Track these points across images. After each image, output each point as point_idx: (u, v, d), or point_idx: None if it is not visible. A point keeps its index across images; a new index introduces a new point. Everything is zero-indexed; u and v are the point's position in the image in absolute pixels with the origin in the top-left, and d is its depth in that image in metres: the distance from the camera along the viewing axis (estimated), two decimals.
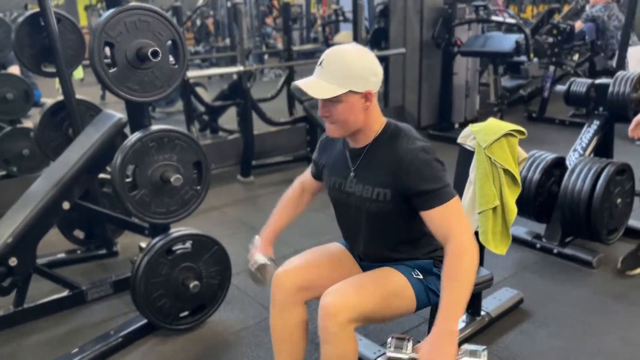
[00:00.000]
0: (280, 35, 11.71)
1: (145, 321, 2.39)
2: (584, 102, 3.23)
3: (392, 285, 1.68)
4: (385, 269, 1.74)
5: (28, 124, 4.22)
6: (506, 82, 5.76)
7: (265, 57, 10.64)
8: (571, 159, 3.08)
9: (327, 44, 6.92)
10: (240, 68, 4.11)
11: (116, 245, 3.24)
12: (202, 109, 5.54)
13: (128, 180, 2.16)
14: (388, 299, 1.67)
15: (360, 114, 1.57)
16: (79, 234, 3.26)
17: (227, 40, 11.05)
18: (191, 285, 2.32)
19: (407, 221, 1.67)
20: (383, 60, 6.12)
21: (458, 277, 1.46)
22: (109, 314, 2.62)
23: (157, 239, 2.33)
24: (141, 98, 2.09)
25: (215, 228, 3.56)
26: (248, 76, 4.22)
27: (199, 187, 2.33)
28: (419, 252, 1.75)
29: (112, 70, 2.01)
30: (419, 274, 1.74)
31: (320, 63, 1.55)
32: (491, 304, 2.45)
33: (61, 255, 3.14)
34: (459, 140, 2.23)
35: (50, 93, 5.53)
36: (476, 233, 2.18)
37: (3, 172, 4.22)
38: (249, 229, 3.60)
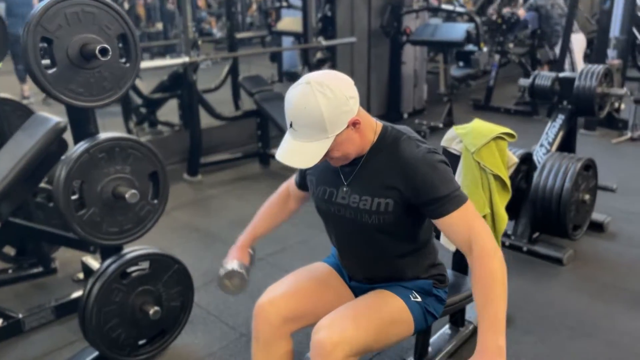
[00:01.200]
0: (215, 19, 11.27)
1: (96, 353, 2.11)
2: (548, 96, 3.18)
3: (390, 312, 1.52)
4: (381, 292, 1.56)
5: None
6: (455, 71, 5.72)
7: (199, 42, 10.17)
8: (538, 155, 3.03)
9: (270, 31, 6.63)
10: (186, 59, 3.79)
11: (54, 261, 2.88)
12: (138, 100, 5.14)
13: (74, 197, 1.86)
14: (386, 328, 1.51)
15: (356, 140, 1.40)
16: (10, 250, 2.88)
17: (159, 26, 10.48)
18: (151, 311, 2.06)
19: (408, 232, 1.52)
20: (330, 49, 5.94)
21: (493, 286, 1.31)
22: (52, 345, 2.31)
23: (109, 261, 2.04)
24: (88, 103, 1.79)
25: (165, 237, 3.27)
26: (194, 67, 3.90)
27: (155, 202, 2.06)
28: (419, 268, 1.60)
29: (51, 71, 1.69)
30: (417, 296, 1.58)
31: (291, 125, 1.35)
32: (473, 312, 2.34)
33: None
34: (443, 144, 2.08)
35: None
36: None
37: None
38: (202, 235, 3.34)
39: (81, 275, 2.83)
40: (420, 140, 1.46)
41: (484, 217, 1.97)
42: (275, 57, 6.98)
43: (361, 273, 1.64)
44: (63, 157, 1.87)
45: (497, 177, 1.96)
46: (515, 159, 2.04)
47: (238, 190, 4.05)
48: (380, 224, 1.46)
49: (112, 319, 2.03)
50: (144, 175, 2.00)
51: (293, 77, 8.04)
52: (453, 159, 2.05)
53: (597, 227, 3.18)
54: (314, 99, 1.30)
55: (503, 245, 3.03)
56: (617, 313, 2.43)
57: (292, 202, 1.79)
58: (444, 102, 5.54)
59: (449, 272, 2.11)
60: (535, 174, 2.83)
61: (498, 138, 1.96)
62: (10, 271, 2.80)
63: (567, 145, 3.16)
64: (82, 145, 1.85)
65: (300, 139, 1.34)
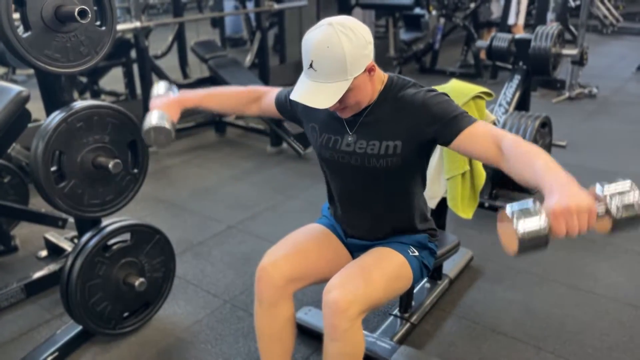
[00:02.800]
0: None
1: (79, 328, 2.06)
2: (505, 57, 3.30)
3: (393, 268, 1.57)
4: (382, 249, 1.61)
5: None
6: (404, 34, 5.79)
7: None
8: (498, 114, 3.16)
9: None
10: (137, 24, 3.62)
11: (14, 238, 2.75)
12: None
13: (53, 169, 1.77)
14: (391, 283, 1.56)
15: (369, 88, 1.43)
16: None
17: None
18: (136, 283, 2.02)
19: (411, 177, 1.56)
20: (278, 14, 5.84)
21: (537, 154, 1.23)
22: (27, 325, 2.22)
23: (88, 235, 1.97)
24: (65, 69, 1.69)
25: (129, 209, 3.13)
26: (146, 33, 3.73)
27: (136, 171, 2.00)
28: (417, 219, 1.65)
29: (25, 35, 1.58)
30: (415, 250, 1.64)
31: (311, 65, 1.35)
32: (448, 266, 2.45)
33: None
34: None
35: None
36: (444, 199, 2.14)
37: None
38: (168, 206, 3.27)
39: (44, 253, 2.72)
40: (423, 86, 1.50)
41: (463, 174, 2.05)
42: (217, 23, 6.79)
43: (362, 225, 1.66)
44: (40, 129, 1.76)
45: None
46: (492, 117, 2.12)
47: (197, 160, 3.98)
48: (388, 166, 1.49)
49: (96, 293, 1.98)
50: (123, 145, 1.93)
51: (237, 42, 7.88)
52: None
53: None
54: (337, 38, 1.31)
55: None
56: (577, 259, 2.62)
57: (255, 105, 1.77)
58: (393, 65, 5.61)
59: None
60: None
61: (477, 97, 2.03)
62: None
63: (522, 104, 3.31)
64: (59, 115, 1.75)
65: (319, 79, 1.35)
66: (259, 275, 1.59)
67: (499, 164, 1.31)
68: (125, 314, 2.13)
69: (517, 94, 3.21)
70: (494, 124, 2.18)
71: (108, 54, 4.76)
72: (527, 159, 1.22)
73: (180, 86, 4.32)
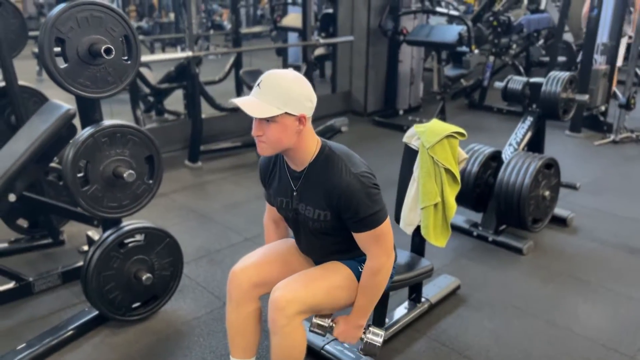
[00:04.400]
0: (227, 11, 11.53)
1: (96, 313, 2.42)
2: (520, 99, 3.43)
3: (339, 279, 1.80)
4: (332, 263, 1.85)
5: None
6: (449, 71, 5.96)
7: (211, 31, 10.47)
8: (507, 153, 3.29)
9: (275, 26, 6.90)
10: (189, 54, 4.08)
11: (62, 234, 3.20)
12: (147, 89, 5.45)
13: (80, 175, 2.16)
14: (334, 292, 1.79)
15: (292, 136, 1.63)
16: (23, 222, 3.20)
17: (172, 15, 10.76)
18: (144, 277, 2.36)
19: (349, 234, 1.76)
20: (332, 46, 6.20)
21: (371, 290, 1.78)
22: (58, 306, 2.62)
23: (108, 232, 2.34)
24: (93, 94, 2.08)
25: (164, 216, 3.58)
26: (197, 61, 4.18)
27: (151, 181, 2.36)
28: (362, 253, 1.87)
29: (63, 66, 1.99)
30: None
31: (258, 84, 1.61)
32: (431, 291, 2.62)
33: (4, 245, 3.07)
34: (404, 140, 2.35)
35: None
36: (418, 227, 2.34)
37: None
38: (197, 216, 3.64)
39: (85, 247, 3.13)
40: (353, 164, 1.67)
41: (435, 205, 2.24)
42: (281, 52, 7.27)
43: (315, 257, 1.93)
44: (71, 140, 2.16)
45: (448, 171, 2.23)
46: (465, 155, 2.30)
47: (234, 177, 4.35)
48: (324, 227, 1.74)
49: (109, 283, 2.33)
50: (141, 158, 2.29)
51: (297, 70, 8.33)
52: (412, 154, 2.32)
53: (561, 222, 3.44)
54: (292, 79, 1.59)
55: (471, 234, 3.30)
56: (562, 297, 2.70)
57: (281, 223, 2.01)
58: (437, 100, 5.79)
59: (407, 254, 2.40)
60: (501, 171, 3.10)
61: (450, 136, 2.23)
62: (22, 241, 3.13)
63: (535, 145, 3.42)
64: (88, 130, 2.14)
65: (260, 97, 1.57)
66: (230, 278, 1.88)
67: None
68: (135, 305, 2.47)
69: (528, 135, 3.32)
70: (487, 163, 2.35)
71: (172, 77, 5.27)
72: (364, 291, 1.79)
73: (225, 109, 4.71)
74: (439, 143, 2.20)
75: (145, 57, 4.70)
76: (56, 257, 3.08)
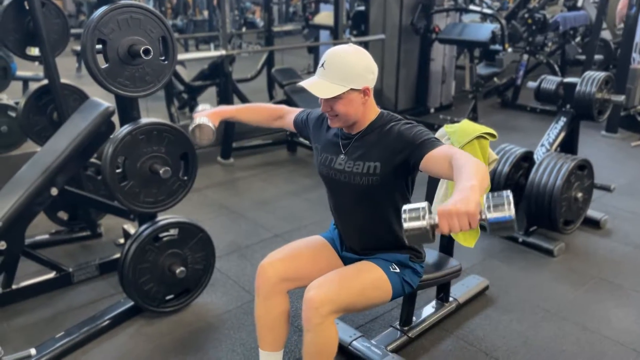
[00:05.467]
0: (260, 8, 11.63)
1: (131, 304, 2.51)
2: (553, 99, 3.39)
3: (371, 279, 1.83)
4: (365, 262, 1.88)
5: (5, 98, 4.20)
6: (481, 69, 5.91)
7: (243, 29, 10.58)
8: (539, 154, 3.26)
9: (307, 24, 6.93)
10: (223, 52, 4.15)
11: (100, 227, 3.32)
12: (181, 87, 5.56)
13: (118, 171, 2.24)
14: (366, 292, 1.82)
15: (359, 108, 1.73)
16: (63, 215, 3.33)
17: (205, 13, 10.92)
18: (177, 270, 2.43)
19: (391, 199, 1.81)
20: (362, 44, 6.20)
21: (469, 162, 1.41)
22: (95, 296, 2.72)
23: (144, 226, 2.42)
24: (132, 93, 2.16)
25: (196, 211, 3.67)
26: (230, 60, 4.26)
27: (185, 178, 2.43)
28: (397, 244, 1.89)
29: (104, 66, 2.07)
30: (396, 267, 1.88)
31: (322, 65, 1.69)
32: (459, 291, 2.63)
33: (45, 236, 3.21)
34: None
35: (24, 65, 5.48)
36: None
37: None
38: (229, 212, 3.71)
39: (122, 240, 3.24)
40: (406, 120, 1.79)
41: None
42: (312, 49, 7.31)
43: (352, 235, 1.95)
44: (110, 137, 2.25)
45: None
46: (495, 156, 2.29)
47: (265, 174, 4.41)
48: (370, 184, 1.77)
49: (144, 275, 2.41)
50: (176, 155, 2.36)
51: None
52: None
53: (594, 224, 3.38)
54: (352, 52, 1.67)
55: (500, 236, 3.29)
56: (593, 301, 2.67)
57: (279, 122, 2.15)
58: (469, 98, 5.74)
59: (436, 254, 2.42)
60: (532, 171, 3.07)
61: (481, 137, 2.22)
62: (63, 233, 3.26)
63: (568, 146, 3.37)
64: (126, 128, 2.22)
65: (325, 77, 1.67)
66: (258, 272, 1.93)
67: (451, 177, 1.46)
68: (169, 297, 2.55)
69: (561, 136, 3.28)
70: (518, 164, 2.34)
71: (205, 75, 5.36)
72: (459, 167, 1.41)
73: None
74: (469, 144, 2.20)
75: (180, 56, 4.81)
76: (94, 249, 3.19)
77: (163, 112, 5.26)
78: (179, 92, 5.71)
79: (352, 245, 1.97)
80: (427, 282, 2.13)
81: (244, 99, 4.67)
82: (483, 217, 1.26)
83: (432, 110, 6.13)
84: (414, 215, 1.28)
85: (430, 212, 1.29)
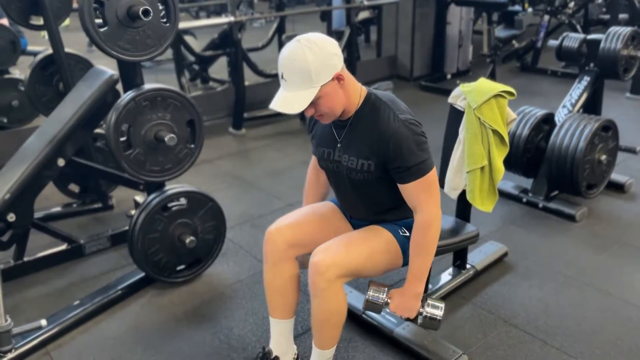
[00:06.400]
0: None
1: (143, 274, 2.48)
2: (576, 58, 3.23)
3: (379, 243, 1.76)
4: (373, 227, 1.81)
5: (17, 74, 4.16)
6: (500, 32, 5.69)
7: (255, 0, 10.38)
8: (560, 115, 3.12)
9: None
10: (231, 19, 4.04)
11: (111, 199, 3.29)
12: (192, 58, 5.47)
13: (123, 139, 2.18)
14: (375, 256, 1.75)
15: (341, 96, 1.61)
16: (74, 187, 3.30)
17: None
18: (187, 240, 2.39)
19: (391, 189, 1.72)
20: (376, 8, 6.03)
21: (424, 247, 1.67)
22: (107, 267, 2.70)
23: (152, 196, 2.38)
24: (133, 57, 2.08)
25: (208, 182, 3.62)
26: (239, 26, 4.15)
27: (192, 146, 2.36)
28: (405, 214, 1.81)
29: (103, 30, 1.99)
30: (406, 231, 1.81)
31: (282, 76, 1.56)
32: (477, 257, 2.55)
33: (57, 209, 3.19)
34: (450, 100, 2.26)
35: (36, 41, 5.43)
36: (464, 191, 2.26)
37: None
38: (241, 182, 3.66)
39: (133, 212, 3.18)
40: (400, 111, 1.64)
41: (482, 168, 2.15)
42: (325, 17, 7.13)
43: (356, 215, 1.90)
44: (114, 105, 2.18)
45: (496, 132, 2.12)
46: (514, 115, 2.18)
47: (277, 144, 4.34)
48: (365, 180, 1.70)
49: (154, 245, 2.37)
50: (182, 123, 2.29)
51: (341, 36, 8.19)
52: (458, 115, 2.22)
53: (619, 188, 3.26)
54: (302, 52, 1.51)
55: (520, 201, 3.18)
56: (617, 266, 2.57)
57: (322, 175, 1.97)
58: (487, 62, 5.56)
59: (452, 219, 2.34)
60: (553, 133, 2.95)
61: (498, 96, 2.11)
62: (74, 205, 3.24)
63: (592, 107, 3.23)
64: (129, 94, 2.16)
65: (290, 89, 1.55)
66: (265, 238, 1.87)
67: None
68: (180, 267, 2.51)
69: (584, 96, 3.14)
70: (538, 126, 2.22)
71: (216, 44, 5.24)
72: (416, 250, 1.68)
73: (268, 76, 4.71)
74: (486, 103, 2.10)
75: (187, 24, 4.72)
76: (105, 220, 3.17)
77: (174, 83, 5.18)
78: (190, 63, 5.63)
79: (356, 219, 1.91)
80: (442, 248, 2.05)
81: (254, 69, 4.57)
82: (421, 311, 1.74)
83: (448, 76, 5.96)
84: (377, 290, 1.74)
85: (388, 293, 1.74)
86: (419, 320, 1.76)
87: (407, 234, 1.80)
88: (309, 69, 1.51)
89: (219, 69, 5.69)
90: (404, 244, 1.79)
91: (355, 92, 1.66)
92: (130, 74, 2.23)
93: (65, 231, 2.79)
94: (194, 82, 5.73)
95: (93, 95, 2.49)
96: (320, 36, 1.56)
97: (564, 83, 5.62)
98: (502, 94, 2.11)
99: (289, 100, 1.55)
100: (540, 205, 3.09)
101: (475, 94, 2.13)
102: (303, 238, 1.84)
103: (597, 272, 2.53)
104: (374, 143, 1.63)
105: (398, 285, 2.42)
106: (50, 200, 3.24)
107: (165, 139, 2.17)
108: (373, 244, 1.75)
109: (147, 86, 2.20)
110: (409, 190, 1.64)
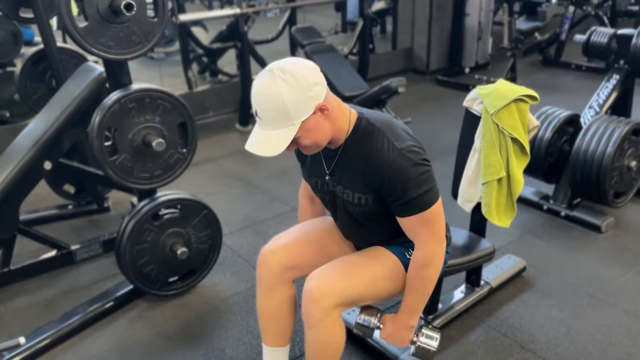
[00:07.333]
0: None
1: (132, 286, 2.32)
2: (604, 54, 2.99)
3: (383, 268, 1.57)
4: (376, 249, 1.62)
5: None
6: (521, 23, 5.42)
7: None
8: (586, 117, 2.89)
9: None
10: (237, 10, 3.85)
11: (107, 200, 3.14)
12: (200, 50, 5.30)
13: (107, 143, 2.02)
14: (377, 282, 1.57)
15: (325, 126, 1.39)
16: (70, 188, 3.16)
17: None
18: (179, 252, 2.23)
19: (395, 220, 1.52)
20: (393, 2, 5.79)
21: (421, 286, 1.52)
22: (98, 276, 2.55)
23: (142, 203, 2.21)
24: (117, 56, 1.91)
25: (211, 183, 3.46)
26: (245, 19, 3.96)
27: (184, 150, 2.19)
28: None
29: (83, 25, 1.82)
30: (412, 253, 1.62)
31: (256, 113, 1.35)
32: (492, 273, 2.35)
33: (51, 211, 3.05)
34: (465, 104, 2.05)
35: None
36: (479, 203, 2.06)
37: None
38: (244, 184, 3.48)
39: None
40: (395, 136, 1.42)
41: (499, 180, 1.94)
42: (340, 7, 6.90)
43: (357, 242, 1.71)
44: (98, 106, 2.01)
45: (516, 140, 1.92)
46: (536, 122, 1.97)
47: None
48: (365, 212, 1.51)
49: (144, 256, 2.22)
50: (173, 126, 2.12)
51: (355, 27, 7.96)
52: (474, 120, 2.02)
53: None
54: (276, 85, 1.29)
55: (541, 208, 2.97)
56: None
57: (317, 201, 1.78)
58: (507, 56, 5.30)
59: (465, 234, 2.14)
60: (579, 137, 2.72)
61: (519, 100, 1.90)
62: (70, 207, 3.10)
63: (621, 108, 2.98)
64: (114, 95, 1.99)
65: (267, 128, 1.34)
66: (259, 260, 1.69)
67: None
68: (172, 279, 2.35)
69: (613, 96, 2.89)
70: (562, 128, 2.01)
71: (224, 36, 5.06)
72: (413, 287, 1.53)
73: None
74: (505, 108, 1.89)
75: (190, 16, 4.54)
76: (101, 224, 3.03)
77: (181, 76, 5.02)
78: (199, 56, 5.46)
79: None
80: (454, 268, 1.87)
81: (262, 63, 4.39)
82: (415, 340, 1.61)
83: (466, 70, 5.70)
84: (369, 314, 1.62)
85: (381, 318, 1.62)
86: (412, 350, 1.64)
87: None
88: (286, 105, 1.30)
89: (231, 61, 5.51)
90: None
91: (344, 118, 1.44)
92: (116, 73, 2.05)
93: (58, 235, 2.66)
94: (203, 75, 5.56)
95: (81, 95, 2.33)
96: (297, 63, 1.34)
97: (589, 78, 5.34)
98: (524, 98, 1.90)
99: (265, 140, 1.35)
100: (563, 213, 2.87)
101: (493, 97, 1.92)
102: (301, 259, 1.67)
103: (625, 292, 2.32)
104: (366, 177, 1.43)
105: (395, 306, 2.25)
106: (46, 200, 3.10)
107: (153, 143, 2.00)
108: (376, 268, 1.56)
109: (135, 86, 2.03)
110: (408, 225, 1.46)
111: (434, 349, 1.59)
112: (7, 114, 4.04)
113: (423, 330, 1.61)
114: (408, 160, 1.38)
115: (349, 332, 2.04)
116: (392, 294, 1.63)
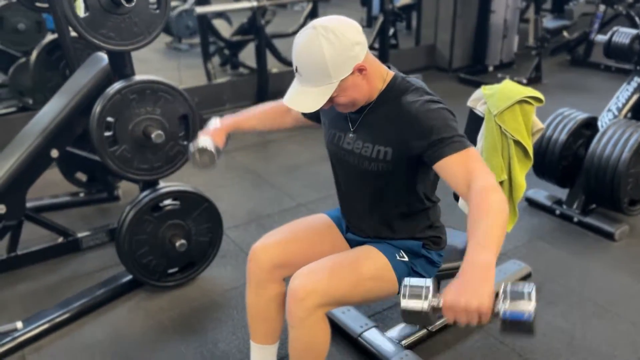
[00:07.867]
0: None
1: (131, 276, 2.34)
2: (627, 56, 2.88)
3: (370, 268, 1.54)
4: (366, 248, 1.59)
5: None
6: (548, 22, 5.27)
7: None
8: (604, 120, 2.80)
9: None
10: (254, 3, 3.84)
11: (118, 189, 3.17)
12: (221, 42, 5.31)
13: (108, 134, 2.03)
14: (364, 283, 1.53)
15: (363, 87, 1.40)
16: (82, 176, 3.20)
17: None
18: (177, 244, 2.23)
19: (406, 187, 1.50)
20: None
21: (489, 210, 1.19)
22: (102, 264, 2.58)
23: (143, 194, 2.23)
24: (118, 47, 1.92)
25: (221, 175, 3.46)
26: (263, 12, 3.95)
27: (185, 143, 2.19)
28: (415, 228, 1.59)
29: (84, 15, 1.83)
30: (404, 255, 1.59)
31: (296, 69, 1.37)
32: (494, 278, 2.28)
33: (64, 198, 3.10)
34: (469, 104, 1.99)
35: None
36: None
37: (17, 105, 4.15)
38: (254, 177, 3.48)
39: None
40: (426, 92, 1.44)
41: (500, 183, 1.88)
42: (366, 1, 6.83)
43: (357, 220, 1.66)
44: (100, 97, 2.03)
45: (519, 143, 1.85)
46: (540, 125, 1.90)
47: (299, 136, 4.12)
48: (379, 171, 1.47)
49: (143, 247, 2.23)
50: (174, 118, 2.12)
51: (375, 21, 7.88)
52: (477, 120, 1.96)
53: None
54: (318, 43, 1.30)
55: (553, 213, 2.88)
56: None
57: (289, 118, 1.79)
58: (533, 55, 5.17)
59: (463, 235, 2.07)
60: (594, 140, 2.62)
61: (523, 102, 1.83)
62: (81, 194, 3.14)
63: None
64: (116, 86, 2.00)
65: (306, 84, 1.37)
66: (249, 257, 1.67)
67: (466, 207, 1.33)
68: (171, 270, 2.36)
69: (633, 100, 2.79)
70: (578, 132, 1.94)
71: (245, 29, 5.06)
72: (476, 215, 1.21)
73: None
74: (509, 109, 1.82)
75: (206, 8, 4.54)
76: (110, 212, 3.06)
77: (201, 68, 5.04)
78: (221, 48, 5.48)
79: (358, 229, 1.67)
80: (447, 272, 1.81)
81: (278, 56, 4.37)
82: (496, 310, 1.09)
83: (490, 69, 5.59)
84: (415, 293, 1.13)
85: (435, 293, 1.13)
86: (500, 327, 1.10)
87: (406, 258, 1.58)
88: (326, 63, 1.31)
89: (249, 54, 5.51)
90: (401, 270, 1.56)
91: (380, 78, 1.45)
92: (119, 64, 2.06)
93: (65, 223, 2.69)
94: (224, 68, 5.58)
95: (89, 84, 2.36)
96: (340, 21, 1.35)
97: (619, 79, 5.13)
98: (528, 99, 1.83)
99: (303, 96, 1.37)
100: (576, 219, 2.78)
101: (496, 98, 1.86)
102: (292, 257, 1.64)
103: (633, 302, 2.23)
104: (395, 124, 1.41)
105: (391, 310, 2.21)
106: (59, 187, 3.15)
107: (152, 135, 2.01)
108: (363, 269, 1.53)
109: (137, 78, 2.04)
110: (451, 166, 1.30)
111: (532, 313, 1.07)
112: (30, 101, 4.12)
113: (508, 287, 1.09)
114: (438, 106, 1.38)
115: (341, 332, 2.04)
116: (379, 295, 1.59)
